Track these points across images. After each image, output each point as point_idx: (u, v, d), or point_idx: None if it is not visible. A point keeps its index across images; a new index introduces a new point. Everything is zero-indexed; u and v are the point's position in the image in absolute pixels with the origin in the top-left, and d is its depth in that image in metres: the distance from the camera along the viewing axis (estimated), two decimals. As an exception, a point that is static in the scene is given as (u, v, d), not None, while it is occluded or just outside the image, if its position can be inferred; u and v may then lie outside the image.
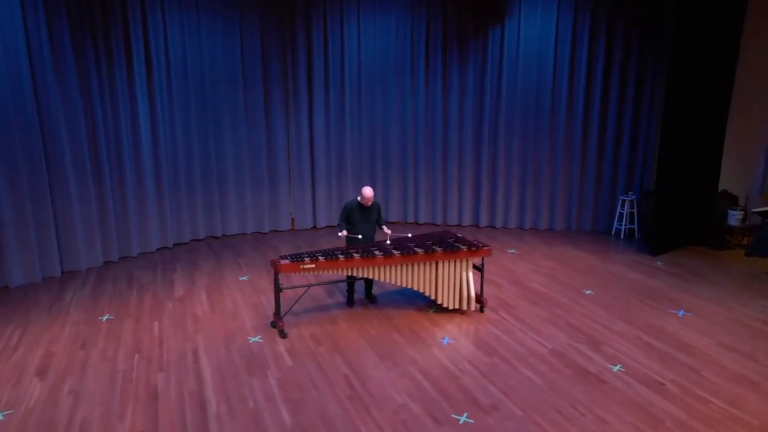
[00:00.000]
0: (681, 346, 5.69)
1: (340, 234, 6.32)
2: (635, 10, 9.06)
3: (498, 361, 5.40)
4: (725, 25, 8.31)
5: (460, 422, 4.44)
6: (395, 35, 9.79)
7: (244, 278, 7.64)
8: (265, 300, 6.84)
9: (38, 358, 5.44)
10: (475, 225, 10.40)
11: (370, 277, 6.04)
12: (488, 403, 4.69)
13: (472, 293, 6.37)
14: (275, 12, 9.21)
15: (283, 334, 5.88)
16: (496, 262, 8.33)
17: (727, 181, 9.16)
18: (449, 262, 6.24)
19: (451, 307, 6.40)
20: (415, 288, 6.25)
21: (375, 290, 7.13)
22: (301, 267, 5.79)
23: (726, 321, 6.30)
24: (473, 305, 6.42)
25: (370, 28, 9.74)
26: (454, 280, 6.31)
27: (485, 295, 6.96)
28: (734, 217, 8.91)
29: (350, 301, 6.73)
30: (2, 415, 4.50)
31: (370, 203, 6.44)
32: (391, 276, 6.11)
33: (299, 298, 6.58)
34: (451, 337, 5.88)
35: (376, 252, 6.02)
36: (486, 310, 6.57)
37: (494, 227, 10.27)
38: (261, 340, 5.81)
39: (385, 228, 6.57)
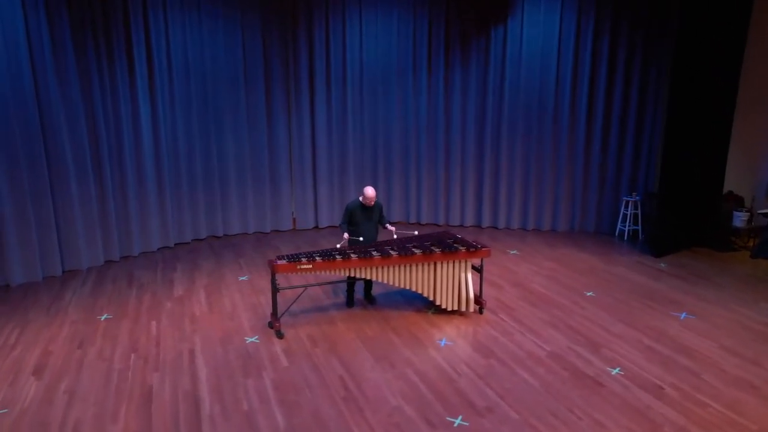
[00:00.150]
0: (682, 350, 5.61)
1: (345, 236, 6.28)
2: (639, 11, 8.97)
3: (495, 363, 5.35)
4: (730, 24, 8.21)
5: (455, 425, 4.39)
6: (397, 35, 9.75)
7: (243, 278, 7.63)
8: (264, 300, 6.83)
9: (35, 357, 5.45)
10: (478, 226, 10.35)
11: (368, 277, 6.01)
12: (484, 405, 4.65)
13: (471, 294, 6.32)
14: (277, 12, 9.21)
15: (279, 335, 5.86)
16: (497, 263, 8.27)
17: (732, 183, 9.05)
18: (448, 263, 6.19)
19: (449, 309, 6.35)
20: (413, 289, 6.21)
21: (375, 291, 7.10)
22: (298, 267, 5.77)
23: (729, 324, 6.21)
24: (472, 306, 6.37)
25: (372, 27, 9.71)
26: (453, 281, 6.27)
27: (485, 296, 6.91)
28: (740, 219, 8.80)
29: (350, 302, 6.71)
30: (-3, 414, 4.51)
31: (371, 203, 6.41)
32: (388, 277, 6.07)
33: (296, 299, 6.56)
34: (448, 339, 5.84)
35: (374, 253, 5.98)
36: (485, 311, 6.52)
37: (497, 228, 10.21)
38: (258, 341, 5.79)
39: (389, 226, 6.53)
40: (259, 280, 7.52)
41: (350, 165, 10.04)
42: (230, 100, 9.19)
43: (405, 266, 6.09)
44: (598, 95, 9.38)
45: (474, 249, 6.20)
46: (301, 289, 6.67)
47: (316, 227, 10.25)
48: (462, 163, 10.09)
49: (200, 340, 5.80)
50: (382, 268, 6.02)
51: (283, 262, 5.78)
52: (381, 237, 6.69)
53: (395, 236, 6.34)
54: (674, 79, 8.26)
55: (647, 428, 4.33)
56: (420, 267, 6.15)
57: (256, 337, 5.88)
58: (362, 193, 6.39)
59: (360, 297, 6.96)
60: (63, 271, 7.82)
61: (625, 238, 9.51)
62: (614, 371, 5.18)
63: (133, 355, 5.48)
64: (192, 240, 9.39)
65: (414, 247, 6.23)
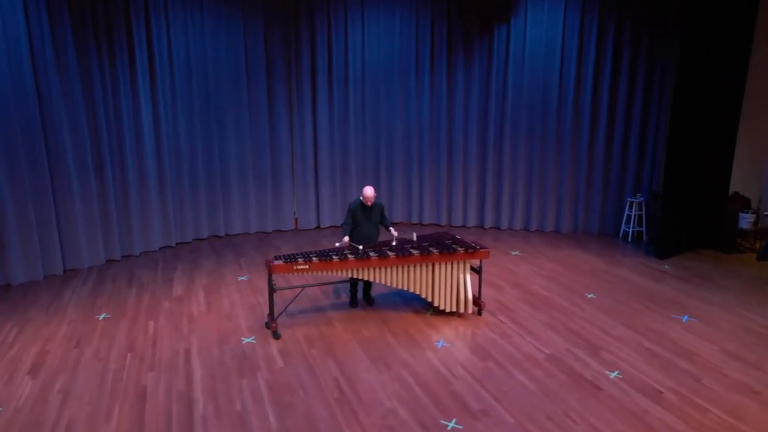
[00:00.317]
0: (682, 353, 5.53)
1: (345, 240, 6.21)
2: (643, 10, 8.86)
3: (492, 365, 5.30)
4: (736, 23, 8.10)
5: (449, 428, 4.35)
6: (399, 35, 9.71)
7: (243, 278, 7.62)
8: (263, 300, 6.81)
9: (32, 356, 5.46)
10: (480, 226, 10.28)
11: (365, 278, 5.97)
12: (479, 408, 4.60)
13: (470, 296, 6.27)
14: (279, 11, 9.19)
15: (276, 335, 5.84)
16: (499, 263, 8.21)
17: (738, 183, 8.92)
18: (446, 264, 6.14)
19: (448, 310, 6.30)
20: (411, 290, 6.16)
21: (375, 292, 7.06)
22: (295, 268, 5.74)
23: (732, 327, 6.12)
24: (470, 308, 6.32)
25: (374, 27, 9.67)
26: (451, 282, 6.22)
27: (484, 297, 6.86)
28: (745, 220, 8.67)
29: (353, 302, 6.67)
30: (-9, 413, 4.52)
31: (370, 203, 6.37)
32: (386, 277, 6.03)
33: (293, 299, 6.53)
34: (446, 341, 5.79)
35: (371, 253, 5.94)
36: (484, 313, 6.47)
37: (499, 228, 10.14)
38: (254, 341, 5.77)
39: (392, 230, 6.48)
40: (258, 280, 7.51)
41: (352, 165, 10.02)
42: (232, 99, 9.19)
43: (403, 267, 6.05)
44: (602, 95, 9.29)
45: (472, 250, 6.14)
46: (298, 290, 6.63)
47: (318, 227, 10.23)
48: (464, 163, 10.03)
49: (197, 340, 5.79)
50: (380, 269, 5.98)
51: (280, 262, 5.75)
52: (382, 238, 6.64)
53: (395, 242, 6.29)
54: (679, 78, 8.16)
55: (644, 433, 4.27)
56: (418, 268, 6.10)
57: (253, 337, 5.86)
58: (362, 193, 6.36)
59: (359, 297, 6.92)
60: (64, 270, 7.85)
61: (629, 239, 9.41)
62: (612, 374, 5.11)
63: (129, 355, 5.48)
64: (194, 239, 9.40)
65: (412, 247, 6.18)
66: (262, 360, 5.39)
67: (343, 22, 9.48)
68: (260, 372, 5.16)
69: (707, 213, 8.73)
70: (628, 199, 9.39)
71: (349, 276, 5.97)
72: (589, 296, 6.99)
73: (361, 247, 6.15)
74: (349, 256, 5.89)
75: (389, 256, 5.93)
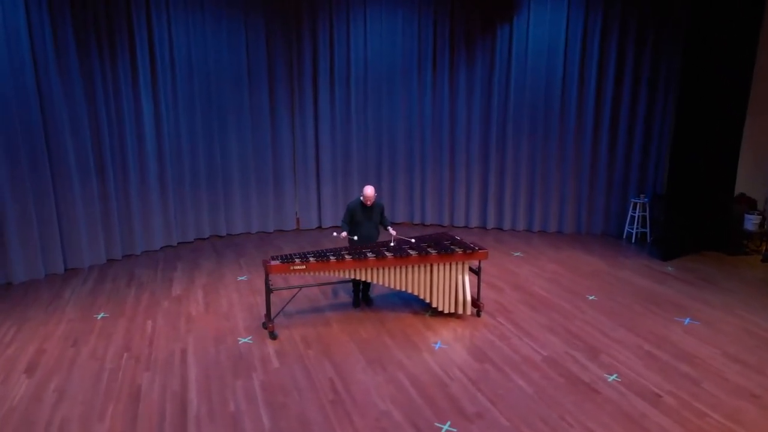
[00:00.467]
0: (683, 356, 5.46)
1: (343, 234, 6.21)
2: (648, 9, 8.77)
3: (489, 367, 5.25)
4: (741, 22, 8.00)
5: (443, 431, 4.31)
6: (402, 34, 9.67)
7: (242, 278, 7.61)
8: (261, 300, 6.79)
9: (29, 355, 5.47)
10: (483, 227, 10.22)
11: (363, 279, 5.94)
12: (474, 411, 4.55)
13: (468, 297, 6.22)
14: (281, 11, 9.18)
15: (273, 336, 5.82)
16: (500, 264, 8.15)
17: (744, 184, 8.81)
18: (444, 264, 6.10)
19: (446, 311, 6.26)
20: (409, 291, 6.12)
21: (374, 292, 7.02)
22: (291, 268, 5.72)
23: (734, 330, 6.03)
24: (469, 309, 6.27)
25: (376, 27, 9.64)
26: (450, 283, 6.17)
27: (484, 298, 6.81)
28: (751, 222, 8.56)
29: (356, 302, 6.65)
30: (-14, 412, 4.52)
31: (370, 203, 6.34)
32: (384, 278, 6.00)
33: (290, 300, 6.50)
34: (444, 342, 5.75)
35: (369, 254, 5.91)
36: (483, 314, 6.41)
37: (502, 229, 10.08)
38: (251, 342, 5.75)
39: (390, 229, 6.46)
40: (258, 280, 7.49)
41: (354, 165, 9.99)
42: (234, 99, 9.19)
43: (401, 268, 6.01)
44: (605, 94, 9.20)
45: (471, 251, 6.09)
46: (295, 290, 6.61)
47: (320, 227, 10.21)
48: (467, 163, 9.98)
49: (193, 340, 5.78)
50: (377, 269, 5.95)
51: (277, 262, 5.73)
52: (381, 238, 6.61)
53: (393, 243, 6.26)
54: (684, 77, 8.07)
55: (641, 437, 4.21)
56: (416, 268, 6.06)
57: (250, 337, 5.84)
58: (362, 193, 6.33)
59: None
60: (65, 269, 7.88)
61: (633, 240, 9.32)
62: (611, 378, 5.05)
63: (125, 355, 5.48)
64: (195, 239, 9.40)
65: (410, 248, 6.14)
66: (258, 360, 5.37)
67: (345, 22, 9.46)
68: (255, 372, 5.14)
69: (712, 214, 8.63)
70: (632, 200, 9.31)
71: (346, 277, 5.94)
72: (590, 298, 6.92)
73: (356, 237, 6.13)
74: (346, 256, 5.86)
75: (387, 256, 5.89)
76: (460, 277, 6.17)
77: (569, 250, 8.86)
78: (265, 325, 6.01)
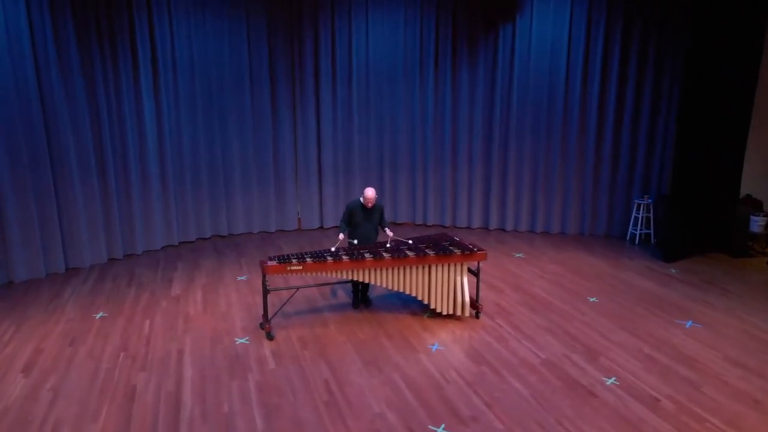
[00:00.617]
0: (684, 360, 5.38)
1: (341, 237, 6.21)
2: (652, 8, 8.68)
3: (486, 370, 5.20)
4: (746, 23, 7.89)
5: (437, 434, 4.27)
6: (404, 34, 9.63)
7: (242, 278, 7.60)
8: (260, 301, 6.77)
9: (27, 354, 5.48)
10: (485, 227, 10.16)
11: (360, 279, 5.91)
12: (469, 414, 4.51)
13: (467, 298, 6.17)
14: (282, 11, 9.17)
15: (270, 336, 5.80)
16: (501, 265, 8.09)
17: (750, 185, 8.70)
18: (442, 265, 6.05)
19: (444, 313, 6.22)
20: (407, 292, 6.09)
21: (374, 293, 6.99)
22: (288, 269, 5.69)
23: (737, 334, 5.95)
24: (468, 311, 6.22)
25: (378, 27, 9.61)
26: (448, 284, 6.13)
27: (483, 300, 6.76)
28: (756, 224, 8.45)
29: (355, 303, 6.62)
30: (-19, 411, 4.53)
31: (371, 205, 6.31)
32: (381, 279, 5.96)
33: (286, 300, 6.48)
34: (441, 344, 5.70)
35: (366, 255, 5.87)
36: (482, 316, 6.36)
37: (504, 230, 10.01)
38: (248, 342, 5.74)
39: (387, 230, 6.44)
40: (257, 281, 7.48)
41: (356, 165, 9.97)
42: (235, 99, 9.19)
43: (398, 269, 5.98)
44: (609, 93, 9.12)
45: (469, 252, 6.05)
46: (292, 291, 6.58)
47: (321, 227, 10.19)
48: (469, 163, 9.92)
49: (190, 340, 5.77)
50: (375, 270, 5.91)
51: (274, 263, 5.71)
52: (380, 239, 6.58)
53: (389, 243, 6.23)
54: (688, 76, 7.98)
55: (638, 442, 4.15)
56: (414, 270, 6.02)
57: (247, 338, 5.83)
58: (363, 194, 6.30)
59: (356, 299, 6.87)
60: (66, 269, 7.90)
61: (637, 242, 9.23)
62: (609, 381, 4.99)
63: (122, 354, 5.48)
64: (196, 239, 9.41)
65: (407, 249, 6.10)
66: (254, 361, 5.35)
67: (346, 21, 9.43)
68: (251, 373, 5.12)
69: (717, 216, 8.53)
70: (636, 200, 9.21)
71: (344, 277, 5.91)
72: (592, 300, 6.85)
73: (355, 241, 6.11)
74: (343, 257, 5.83)
75: (384, 257, 5.86)
76: (458, 278, 6.12)
77: (571, 252, 8.79)
78: (262, 326, 5.99)
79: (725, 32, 7.80)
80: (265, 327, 5.83)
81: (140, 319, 6.30)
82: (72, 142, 7.66)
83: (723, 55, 7.87)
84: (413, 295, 6.11)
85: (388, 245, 6.20)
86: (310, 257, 5.82)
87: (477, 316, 6.31)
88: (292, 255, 5.91)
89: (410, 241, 6.34)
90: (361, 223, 6.37)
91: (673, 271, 7.91)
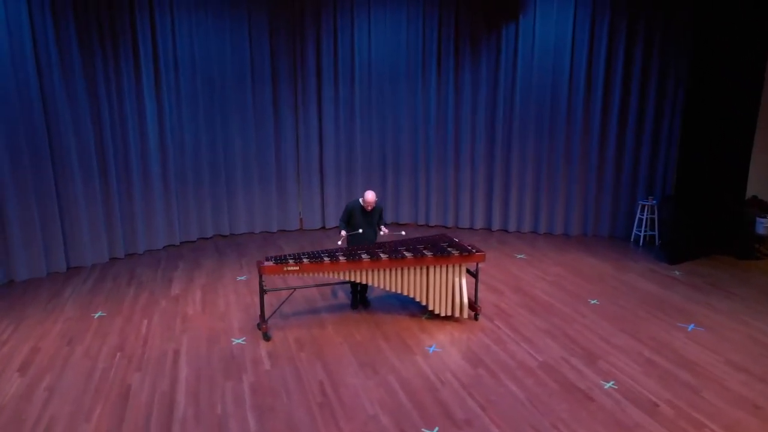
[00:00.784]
0: (684, 364, 5.30)
1: (342, 234, 6.19)
2: (654, 9, 8.57)
3: (483, 372, 5.15)
4: (752, 20, 7.76)
5: (430, 437, 4.23)
6: (406, 34, 9.59)
7: (242, 278, 7.59)
8: (258, 301, 6.75)
9: (24, 353, 5.50)
10: (488, 228, 10.09)
11: (357, 280, 5.87)
12: (463, 417, 4.46)
13: (465, 300, 6.12)
14: (284, 10, 9.15)
15: (266, 337, 5.78)
16: (502, 267, 8.03)
17: (756, 186, 8.58)
18: (440, 267, 6.00)
19: (443, 314, 6.17)
20: (405, 293, 6.05)
21: (373, 294, 6.95)
22: (285, 269, 5.67)
23: (740, 338, 5.85)
24: (466, 312, 6.17)
25: (380, 26, 9.57)
26: (446, 285, 6.08)
27: (483, 301, 6.70)
28: (762, 226, 8.33)
29: (354, 304, 6.59)
30: (-25, 410, 4.54)
31: (370, 208, 6.29)
32: (379, 280, 5.92)
33: (283, 301, 6.45)
34: (438, 346, 5.66)
35: (363, 255, 5.84)
36: (481, 317, 6.31)
37: (507, 231, 9.94)
38: (244, 342, 5.72)
39: (383, 227, 6.43)
40: (256, 281, 7.44)
41: (358, 165, 9.93)
42: (237, 99, 9.19)
43: (396, 270, 5.94)
44: (613, 94, 9.02)
45: (467, 253, 5.99)
46: (288, 292, 6.55)
47: (323, 227, 10.17)
48: (472, 163, 9.86)
49: (187, 341, 5.76)
50: (372, 271, 5.87)
51: (270, 263, 5.69)
52: (380, 240, 6.56)
53: (381, 233, 6.25)
54: (691, 76, 7.88)
55: (634, 448, 4.08)
56: (412, 271, 5.98)
57: (243, 338, 5.81)
58: (363, 196, 6.27)
59: (355, 300, 6.84)
60: (68, 268, 7.93)
61: (641, 243, 9.12)
62: (607, 385, 4.92)
63: (118, 354, 5.48)
64: (198, 239, 9.42)
65: (405, 250, 6.06)
66: (250, 362, 5.33)
67: (349, 20, 9.40)
68: (246, 374, 5.10)
69: (722, 217, 8.41)
70: (640, 201, 9.11)
71: (341, 278, 5.88)
72: (593, 302, 6.77)
73: (360, 230, 6.10)
74: (340, 257, 5.80)
75: (382, 258, 5.82)
76: (456, 279, 6.07)
77: (574, 253, 8.70)
78: (259, 326, 5.97)
79: (730, 32, 7.69)
80: (262, 327, 5.81)
81: (138, 318, 6.30)
82: (73, 142, 7.69)
83: (728, 55, 7.75)
84: (411, 296, 6.07)
85: (381, 233, 6.18)
86: (307, 258, 5.79)
87: (476, 318, 6.26)
88: (289, 255, 5.88)
89: (403, 233, 6.31)
90: (361, 224, 6.34)
91: (677, 273, 7.81)
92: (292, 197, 9.89)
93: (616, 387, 4.89)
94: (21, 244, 7.40)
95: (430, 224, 10.26)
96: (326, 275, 5.85)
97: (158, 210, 8.71)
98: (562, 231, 9.75)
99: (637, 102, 8.96)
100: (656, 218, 9.06)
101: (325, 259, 5.76)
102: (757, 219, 8.37)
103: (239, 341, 5.75)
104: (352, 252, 5.94)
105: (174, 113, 8.75)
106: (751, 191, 8.60)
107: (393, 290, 6.00)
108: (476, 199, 9.95)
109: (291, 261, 5.72)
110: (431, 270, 6.01)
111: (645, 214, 9.08)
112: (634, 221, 9.28)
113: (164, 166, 8.72)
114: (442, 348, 5.61)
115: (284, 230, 10.01)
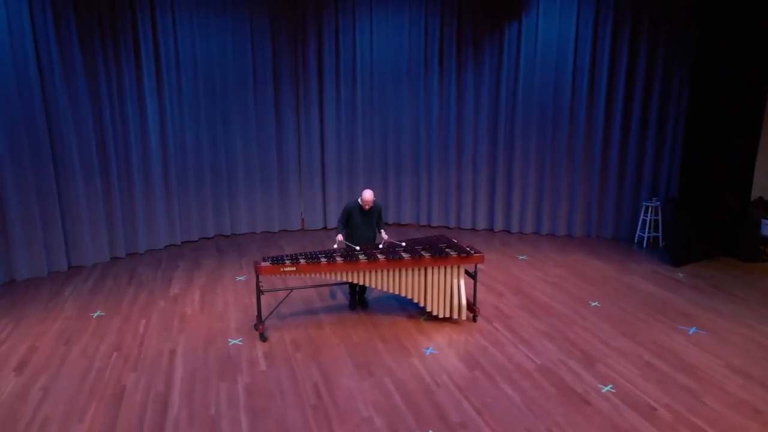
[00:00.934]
0: (684, 367, 5.23)
1: (339, 238, 6.14)
2: (656, 8, 8.48)
3: (479, 375, 5.10)
4: (756, 19, 7.65)
5: (423, 440, 4.19)
6: (408, 34, 9.55)
7: (241, 278, 7.58)
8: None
9: (21, 352, 5.51)
10: (490, 229, 10.03)
11: (354, 281, 5.84)
12: (457, 420, 4.42)
13: (463, 301, 6.08)
14: (286, 11, 9.14)
15: (263, 338, 5.76)
16: (503, 268, 7.97)
17: (762, 188, 8.47)
18: (438, 268, 5.96)
19: (441, 316, 6.12)
20: (403, 294, 6.01)
21: (372, 295, 6.92)
22: (282, 270, 5.65)
23: (742, 341, 5.77)
24: (464, 314, 6.13)
25: (382, 26, 9.54)
26: (444, 287, 6.03)
27: (482, 303, 6.65)
28: (768, 227, 8.23)
29: (352, 305, 6.56)
30: (-30, 409, 4.55)
31: (368, 207, 6.26)
32: (377, 281, 5.89)
33: (280, 302, 6.42)
34: (435, 348, 5.62)
35: (361, 256, 5.81)
36: (480, 319, 6.26)
37: (509, 232, 9.87)
38: (241, 343, 5.71)
39: (383, 232, 6.38)
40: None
41: (359, 165, 9.91)
42: (238, 99, 9.19)
43: (394, 271, 5.90)
44: (617, 93, 8.93)
45: (466, 254, 5.95)
46: (285, 293, 6.53)
47: (325, 228, 10.15)
48: (474, 164, 9.80)
49: (184, 341, 5.75)
50: (370, 272, 5.84)
51: (267, 264, 5.67)
52: (379, 240, 6.52)
53: (381, 245, 6.17)
54: (697, 76, 7.78)
55: (630, 453, 4.02)
56: (409, 272, 5.94)
57: (240, 339, 5.80)
58: (360, 196, 6.24)
59: (353, 301, 6.80)
60: (69, 267, 7.95)
61: (644, 245, 9.03)
62: (605, 388, 4.86)
63: (115, 354, 5.48)
64: (199, 238, 9.42)
65: (403, 251, 6.02)
66: (245, 363, 5.31)
67: (351, 21, 9.37)
68: (241, 375, 5.09)
69: (727, 219, 8.31)
70: (644, 203, 9.02)
71: (338, 279, 5.85)
72: (593, 305, 6.70)
73: (357, 248, 6.03)
74: (337, 258, 5.77)
75: (379, 259, 5.79)
76: (455, 280, 6.03)
77: (577, 254, 8.63)
78: (256, 327, 5.96)
79: (733, 33, 7.58)
80: (259, 328, 5.79)
81: (137, 318, 6.30)
82: (75, 142, 7.71)
83: (732, 55, 7.65)
84: (409, 297, 6.04)
85: (380, 246, 6.13)
86: (304, 258, 5.77)
87: (474, 320, 6.21)
88: (286, 256, 5.86)
89: (403, 243, 6.26)
90: (360, 225, 6.31)
91: (681, 275, 7.72)
92: (294, 197, 9.88)
93: (614, 391, 4.83)
94: (22, 244, 7.43)
95: (432, 225, 10.21)
96: (324, 276, 5.81)
97: (159, 210, 8.72)
98: (565, 232, 9.67)
99: (641, 102, 8.87)
100: (660, 220, 8.97)
101: (322, 259, 5.73)
102: (762, 221, 8.26)
103: (236, 342, 5.74)
104: (349, 253, 5.91)
105: (175, 113, 8.76)
106: (756, 192, 8.50)
107: (391, 291, 5.97)
108: (478, 200, 9.89)
109: (288, 261, 5.70)
110: (429, 271, 5.97)
111: (649, 215, 8.99)
112: (637, 223, 9.19)
113: (165, 165, 8.74)
114: (439, 350, 5.57)
115: (286, 230, 10.00)
